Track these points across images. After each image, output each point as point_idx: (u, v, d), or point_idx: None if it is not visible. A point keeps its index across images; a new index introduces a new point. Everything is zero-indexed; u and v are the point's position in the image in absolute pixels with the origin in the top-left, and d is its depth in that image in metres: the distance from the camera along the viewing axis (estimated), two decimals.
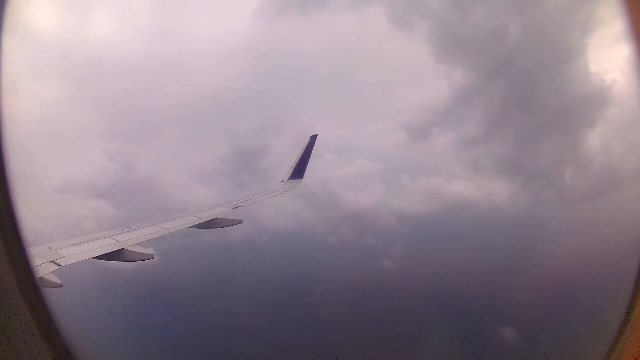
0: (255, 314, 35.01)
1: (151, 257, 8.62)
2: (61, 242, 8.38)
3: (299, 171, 15.80)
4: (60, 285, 6.51)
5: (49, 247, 7.81)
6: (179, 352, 29.10)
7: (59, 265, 7.14)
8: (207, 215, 11.26)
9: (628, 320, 2.22)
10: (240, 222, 11.51)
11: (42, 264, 7.00)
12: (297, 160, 15.92)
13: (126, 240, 8.86)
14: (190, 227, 10.70)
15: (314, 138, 16.18)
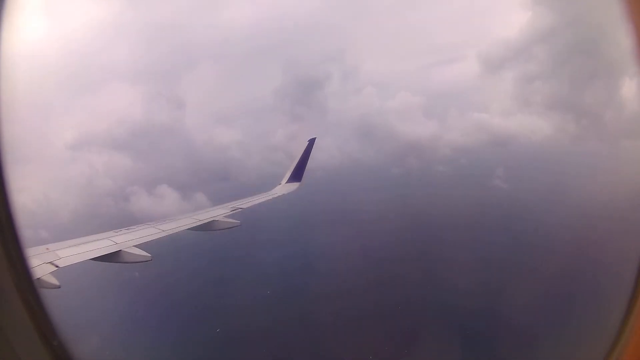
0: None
1: (149, 258, 8.60)
2: (59, 243, 8.40)
3: (297, 174, 15.76)
4: (58, 287, 6.50)
5: (47, 248, 7.81)
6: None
7: (57, 267, 7.14)
8: (204, 218, 11.23)
9: (628, 319, 2.21)
10: (238, 224, 11.47)
11: (40, 265, 6.99)
12: (296, 164, 15.87)
13: (124, 241, 8.86)
14: (188, 229, 10.68)
15: (312, 142, 16.13)
